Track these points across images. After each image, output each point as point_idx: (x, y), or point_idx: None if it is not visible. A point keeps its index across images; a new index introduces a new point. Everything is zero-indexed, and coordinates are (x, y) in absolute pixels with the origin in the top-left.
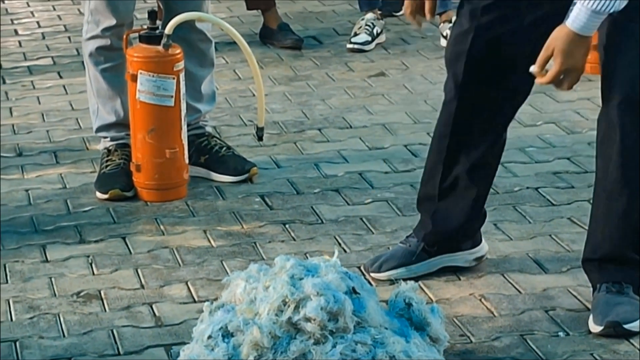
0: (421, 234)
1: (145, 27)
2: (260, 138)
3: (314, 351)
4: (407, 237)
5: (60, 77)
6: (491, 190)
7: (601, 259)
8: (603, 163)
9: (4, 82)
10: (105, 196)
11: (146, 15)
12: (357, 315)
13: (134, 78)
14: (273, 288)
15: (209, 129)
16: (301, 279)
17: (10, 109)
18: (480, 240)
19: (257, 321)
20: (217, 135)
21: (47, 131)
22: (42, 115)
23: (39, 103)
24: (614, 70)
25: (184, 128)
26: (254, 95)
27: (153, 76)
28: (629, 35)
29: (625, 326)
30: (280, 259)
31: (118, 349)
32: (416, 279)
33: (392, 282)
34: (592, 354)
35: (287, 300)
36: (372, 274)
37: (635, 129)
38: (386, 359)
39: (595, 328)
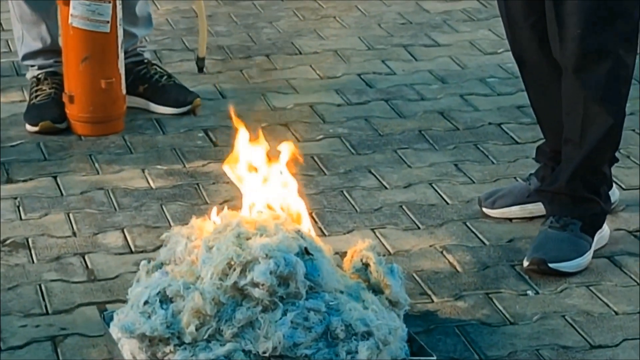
0: (540, 174)
1: None
2: (200, 69)
3: (262, 319)
4: (531, 174)
5: None
6: (451, 126)
7: (554, 192)
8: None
9: None
10: (36, 129)
11: None
12: (309, 279)
13: (66, 2)
14: (217, 249)
15: (147, 56)
16: (248, 238)
17: None
18: (611, 185)
19: (199, 286)
20: (157, 63)
21: None
22: None
23: None
24: None
25: (121, 56)
26: (197, 16)
27: (87, 0)
28: None
29: (551, 265)
30: (224, 214)
31: (46, 307)
32: (373, 228)
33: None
34: (563, 316)
35: (232, 263)
36: (484, 210)
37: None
38: (341, 327)
39: (524, 263)
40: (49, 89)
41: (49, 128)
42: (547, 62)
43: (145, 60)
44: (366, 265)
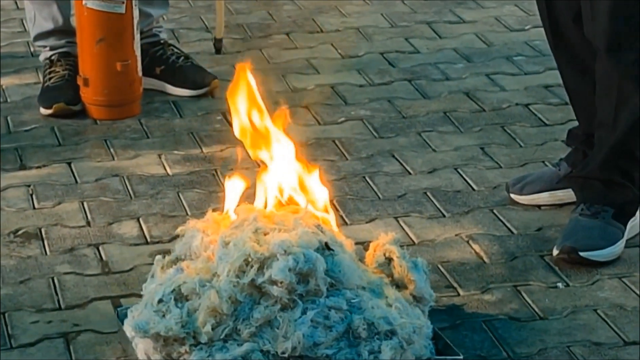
0: (571, 159)
1: None
2: (218, 50)
3: (281, 318)
4: (561, 159)
5: None
6: (476, 107)
7: (585, 177)
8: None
9: None
10: (50, 111)
11: None
12: (330, 276)
13: None
14: (234, 244)
15: (163, 36)
16: (266, 234)
17: None
18: None
19: (215, 283)
20: (174, 43)
21: None
22: None
23: None
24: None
25: (137, 37)
26: None
27: None
28: None
29: (582, 254)
30: (242, 208)
31: (59, 301)
32: (396, 216)
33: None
34: (595, 310)
35: (249, 259)
36: (512, 196)
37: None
38: (364, 326)
39: (554, 252)
40: (63, 70)
41: (63, 110)
42: (582, 42)
43: (162, 41)
44: (389, 260)
